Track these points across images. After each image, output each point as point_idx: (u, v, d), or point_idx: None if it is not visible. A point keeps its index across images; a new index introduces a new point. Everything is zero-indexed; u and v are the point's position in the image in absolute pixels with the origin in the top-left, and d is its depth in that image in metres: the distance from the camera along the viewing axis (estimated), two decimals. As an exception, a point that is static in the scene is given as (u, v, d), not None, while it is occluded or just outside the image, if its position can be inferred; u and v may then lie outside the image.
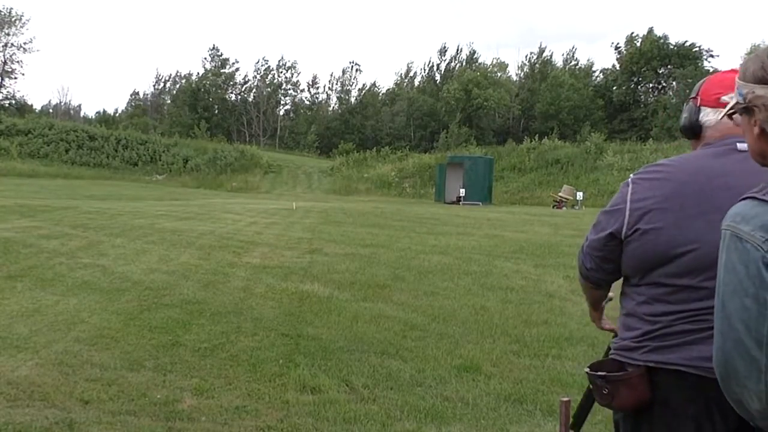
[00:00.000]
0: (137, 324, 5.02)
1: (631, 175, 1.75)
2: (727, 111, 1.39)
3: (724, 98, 1.63)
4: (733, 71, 1.67)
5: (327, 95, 74.71)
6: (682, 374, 1.53)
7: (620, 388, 1.60)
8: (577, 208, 25.01)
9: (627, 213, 1.66)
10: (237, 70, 70.85)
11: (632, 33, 59.47)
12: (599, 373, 1.65)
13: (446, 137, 53.38)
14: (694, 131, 1.71)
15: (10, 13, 58.45)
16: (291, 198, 25.69)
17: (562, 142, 39.67)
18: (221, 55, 69.14)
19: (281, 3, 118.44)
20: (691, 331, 1.53)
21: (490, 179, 29.40)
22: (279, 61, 74.18)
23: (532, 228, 14.05)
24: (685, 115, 1.73)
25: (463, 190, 27.62)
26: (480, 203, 26.88)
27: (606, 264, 1.76)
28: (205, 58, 70.40)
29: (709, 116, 1.67)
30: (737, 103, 1.33)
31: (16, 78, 62.04)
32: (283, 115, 71.95)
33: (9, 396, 3.52)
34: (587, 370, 1.70)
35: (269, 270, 7.57)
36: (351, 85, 72.68)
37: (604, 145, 35.24)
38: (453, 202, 27.42)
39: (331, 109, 73.24)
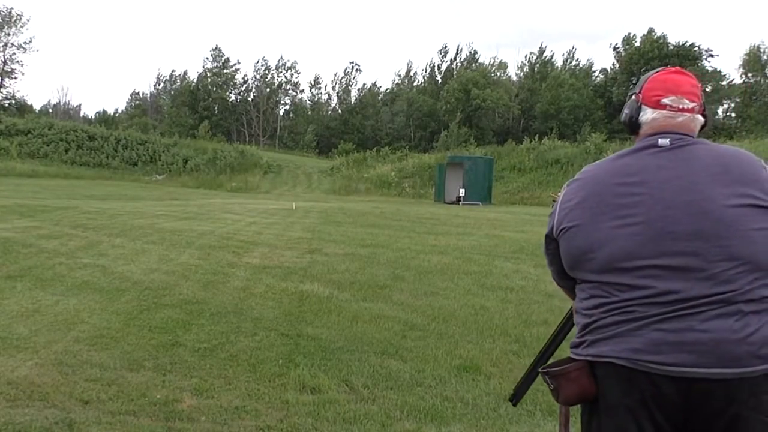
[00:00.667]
0: (137, 324, 5.02)
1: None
2: None
3: (665, 101, 1.67)
4: (679, 72, 1.70)
5: (328, 95, 74.79)
6: (615, 366, 1.55)
7: (561, 383, 1.65)
8: (576, 208, 25.00)
9: (557, 214, 1.75)
10: (237, 70, 70.93)
11: (629, 33, 59.48)
12: (543, 369, 1.70)
13: (446, 137, 53.36)
14: (633, 128, 1.75)
15: (10, 13, 58.50)
16: (291, 198, 25.69)
17: (562, 142, 39.67)
18: (223, 55, 69.24)
19: (282, 3, 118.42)
20: (620, 323, 1.55)
21: (490, 179, 29.40)
22: (278, 61, 74.12)
23: (532, 228, 14.04)
24: (626, 111, 1.76)
25: (463, 190, 27.62)
26: (480, 203, 26.89)
27: (553, 265, 1.84)
28: (207, 58, 70.56)
29: (647, 115, 1.70)
30: None
31: (15, 78, 61.97)
32: (283, 115, 71.95)
33: (9, 396, 3.52)
34: (540, 369, 1.75)
35: (269, 270, 7.57)
36: (351, 85, 72.76)
37: (604, 145, 35.20)
38: (453, 202, 27.42)
39: (331, 109, 73.24)
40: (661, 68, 1.75)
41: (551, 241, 1.79)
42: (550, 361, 1.86)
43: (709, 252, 1.49)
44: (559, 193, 1.79)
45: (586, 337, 1.62)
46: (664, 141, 1.63)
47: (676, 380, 1.48)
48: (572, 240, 1.67)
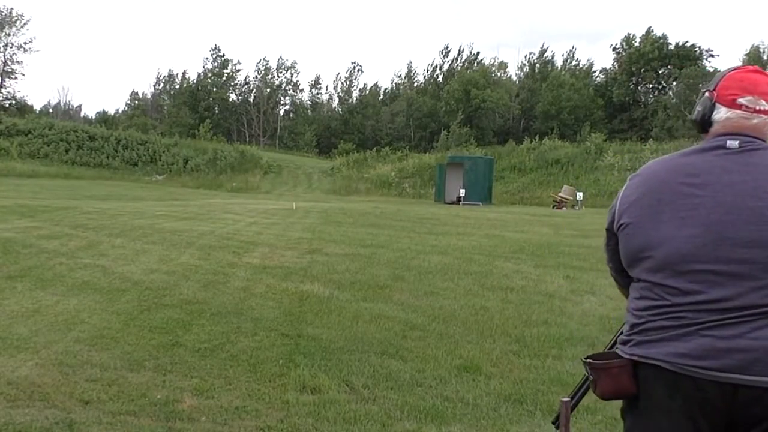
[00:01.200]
0: (137, 324, 5.02)
1: (618, 171, 1.78)
2: None
3: (741, 100, 1.61)
4: (756, 71, 1.64)
5: (329, 95, 74.84)
6: (660, 369, 1.54)
7: (601, 377, 1.64)
8: (577, 208, 25.00)
9: (617, 208, 1.70)
10: (238, 70, 70.97)
11: (629, 34, 59.45)
12: (587, 360, 1.69)
13: (446, 137, 53.37)
14: (704, 126, 1.68)
15: (10, 13, 58.50)
16: (291, 198, 25.69)
17: (562, 142, 39.70)
18: (223, 55, 69.28)
19: (282, 3, 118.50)
20: (668, 327, 1.54)
21: (490, 179, 29.40)
22: (278, 60, 74.13)
23: (532, 228, 14.04)
24: (698, 108, 1.69)
25: (463, 190, 27.62)
26: (480, 203, 26.88)
27: (612, 262, 1.81)
28: (207, 58, 70.60)
29: (721, 114, 1.64)
30: None
31: (16, 78, 61.93)
32: (283, 115, 71.97)
33: (9, 396, 3.52)
34: (584, 357, 1.73)
35: (269, 270, 7.57)
36: (352, 86, 72.80)
37: (604, 146, 35.25)
38: (453, 203, 27.42)
39: (331, 109, 73.26)
40: (738, 66, 1.69)
41: (612, 236, 1.75)
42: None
43: (766, 261, 1.47)
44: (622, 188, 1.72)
45: (634, 337, 1.61)
46: (732, 143, 1.58)
47: (722, 385, 1.47)
48: (631, 237, 1.65)
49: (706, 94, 1.68)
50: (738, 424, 1.49)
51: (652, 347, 1.55)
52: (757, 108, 1.60)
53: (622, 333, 1.70)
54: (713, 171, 1.56)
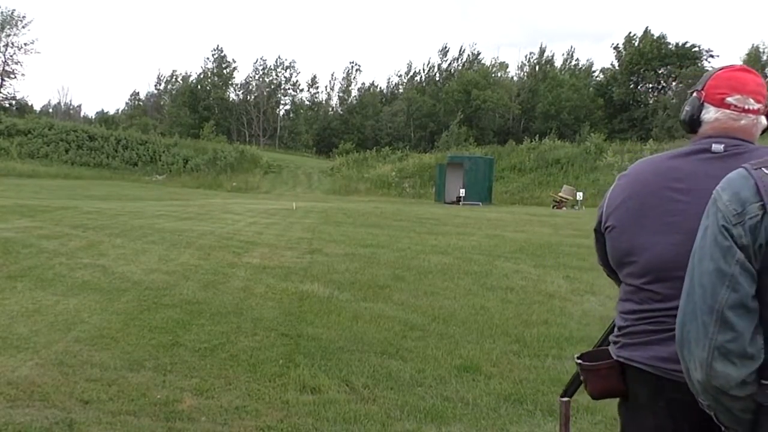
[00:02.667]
0: (137, 324, 5.02)
1: (619, 172, 1.79)
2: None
3: (729, 100, 1.60)
4: (744, 69, 1.63)
5: (328, 95, 74.82)
6: (643, 372, 1.57)
7: (591, 377, 1.67)
8: (577, 208, 25.00)
9: (604, 209, 1.71)
10: (237, 70, 71.01)
11: (630, 33, 59.37)
12: (577, 360, 1.71)
13: (446, 137, 53.37)
14: (693, 127, 1.68)
15: (12, 13, 58.48)
16: (291, 198, 25.69)
17: (562, 142, 39.68)
18: (224, 55, 69.27)
19: (282, 3, 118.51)
20: (651, 332, 1.56)
21: (490, 179, 29.39)
22: (277, 60, 74.04)
23: (532, 228, 14.04)
24: (687, 108, 1.68)
25: (463, 190, 27.61)
26: (480, 203, 26.88)
27: (602, 262, 1.83)
28: (207, 58, 70.59)
29: (710, 114, 1.63)
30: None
31: (15, 77, 61.93)
32: (283, 115, 71.96)
33: (9, 396, 3.52)
34: (576, 355, 1.76)
35: (269, 270, 7.57)
36: (351, 85, 72.79)
37: (604, 145, 35.24)
38: (453, 202, 27.41)
39: (332, 108, 73.25)
40: (726, 65, 1.67)
41: (600, 236, 1.76)
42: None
43: None
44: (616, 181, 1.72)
45: (620, 339, 1.64)
46: (717, 147, 1.57)
47: None
48: (616, 240, 1.66)
49: (694, 94, 1.68)
50: (717, 425, 1.51)
51: (637, 350, 1.58)
52: (746, 107, 1.59)
53: (612, 331, 1.73)
54: (697, 176, 1.55)
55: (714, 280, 1.21)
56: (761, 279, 1.19)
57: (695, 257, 1.28)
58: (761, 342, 1.21)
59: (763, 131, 1.65)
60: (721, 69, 1.67)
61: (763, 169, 1.23)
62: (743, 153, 1.55)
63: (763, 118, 1.62)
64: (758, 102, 1.60)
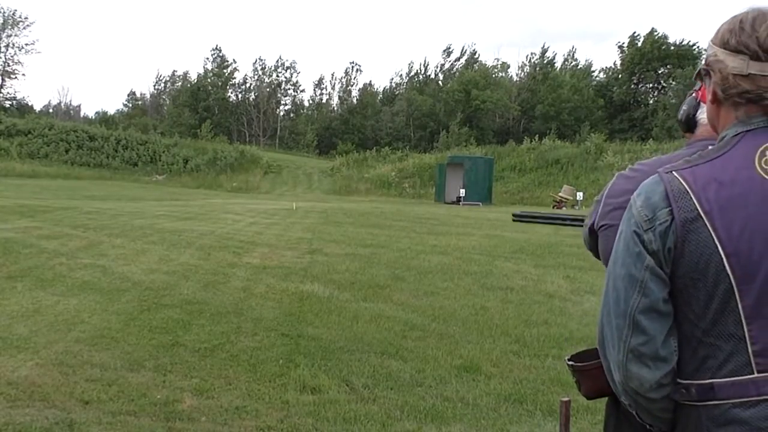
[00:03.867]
0: (137, 324, 5.02)
1: (618, 171, 1.77)
2: (695, 75, 1.38)
3: None
4: None
5: (329, 95, 74.84)
6: None
7: (582, 377, 1.67)
8: (577, 208, 25.01)
9: (600, 206, 1.70)
10: (237, 70, 70.98)
11: (635, 33, 59.40)
12: (569, 362, 1.71)
13: (446, 137, 53.37)
14: (689, 126, 1.68)
15: (13, 14, 58.51)
16: (291, 198, 25.69)
17: (562, 142, 39.69)
18: (223, 55, 69.29)
19: (282, 3, 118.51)
20: None
21: (490, 179, 29.41)
22: (277, 60, 74.11)
23: (533, 228, 14.05)
24: (684, 107, 1.69)
25: (463, 190, 27.63)
26: (480, 203, 26.89)
27: (595, 257, 1.80)
28: (207, 58, 70.61)
29: (705, 114, 1.61)
30: (702, 67, 1.30)
31: (16, 77, 61.98)
32: (283, 115, 71.97)
33: (9, 396, 3.52)
34: (566, 357, 1.75)
35: (269, 270, 7.57)
36: (352, 86, 72.82)
37: (604, 145, 35.26)
38: (453, 203, 27.43)
39: (331, 109, 73.27)
40: None
41: (592, 233, 1.75)
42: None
43: None
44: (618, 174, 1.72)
45: None
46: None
47: None
48: (608, 242, 1.63)
49: (693, 94, 1.68)
50: None
51: None
52: None
53: None
54: None
55: (626, 284, 1.23)
56: (673, 282, 1.20)
57: (611, 261, 1.29)
58: (674, 344, 1.23)
59: None
60: None
61: (673, 173, 1.23)
62: None
63: None
64: None
